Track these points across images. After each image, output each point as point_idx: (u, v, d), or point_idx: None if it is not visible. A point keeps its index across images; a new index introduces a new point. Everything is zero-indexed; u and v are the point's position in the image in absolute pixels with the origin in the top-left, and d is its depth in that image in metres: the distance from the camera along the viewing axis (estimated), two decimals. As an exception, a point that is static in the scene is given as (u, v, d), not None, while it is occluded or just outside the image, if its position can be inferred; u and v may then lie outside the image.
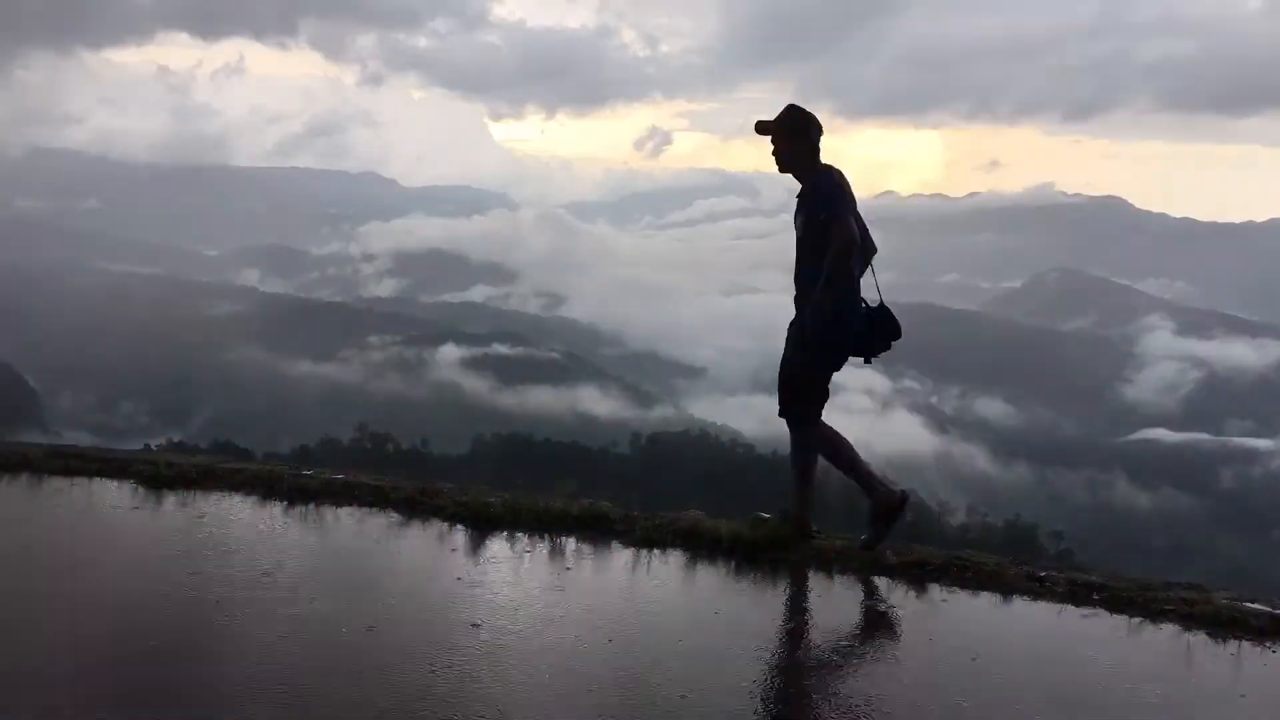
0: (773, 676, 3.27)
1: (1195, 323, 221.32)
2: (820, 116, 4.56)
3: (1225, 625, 3.68)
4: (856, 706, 3.05)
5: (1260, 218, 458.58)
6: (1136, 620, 3.79)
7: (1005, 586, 4.11)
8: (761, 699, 3.07)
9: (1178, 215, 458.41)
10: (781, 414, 4.66)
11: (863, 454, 4.90)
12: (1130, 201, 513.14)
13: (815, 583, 4.20)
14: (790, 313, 4.61)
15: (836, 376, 4.62)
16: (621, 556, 4.38)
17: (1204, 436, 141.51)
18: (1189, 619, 3.75)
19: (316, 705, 2.85)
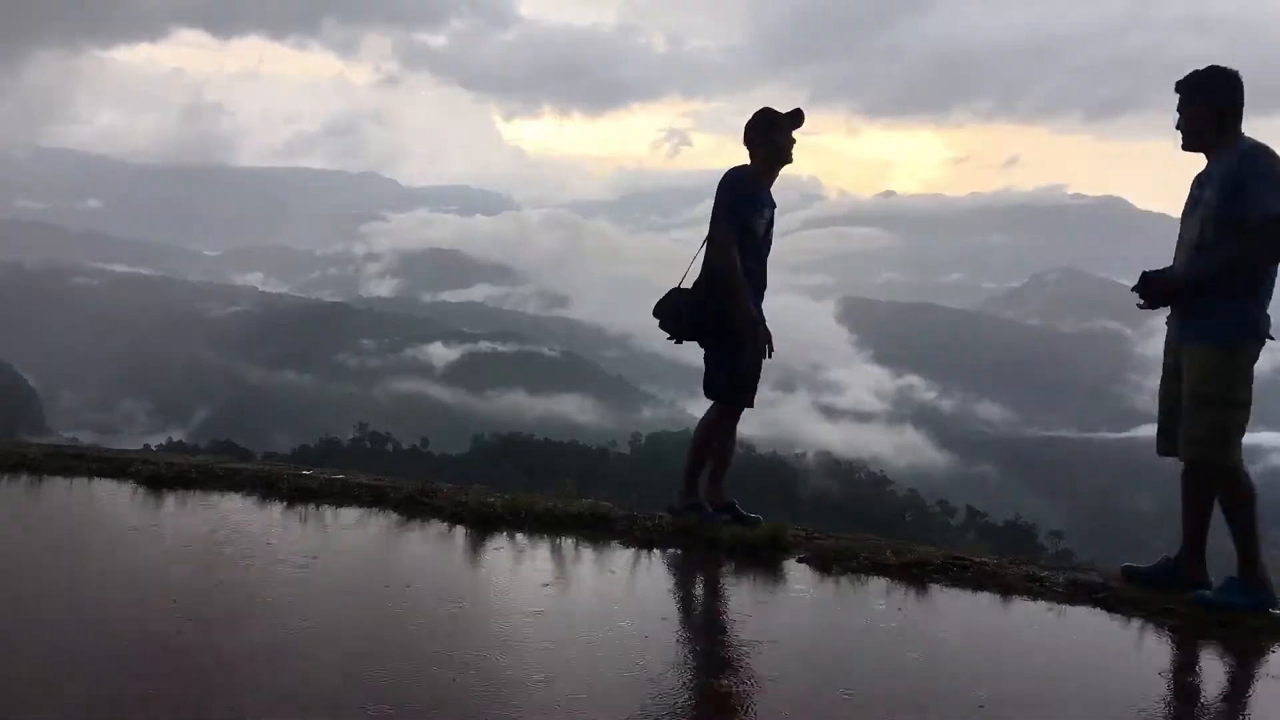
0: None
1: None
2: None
3: (1224, 625, 3.68)
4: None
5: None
6: (1135, 620, 3.79)
7: (1005, 586, 4.11)
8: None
9: (1178, 215, 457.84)
10: None
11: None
12: (1131, 201, 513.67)
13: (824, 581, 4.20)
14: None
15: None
16: (631, 557, 4.38)
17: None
18: (1187, 619, 3.75)
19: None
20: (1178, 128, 4.05)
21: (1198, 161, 4.09)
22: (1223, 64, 3.95)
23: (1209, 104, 3.93)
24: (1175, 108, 4.03)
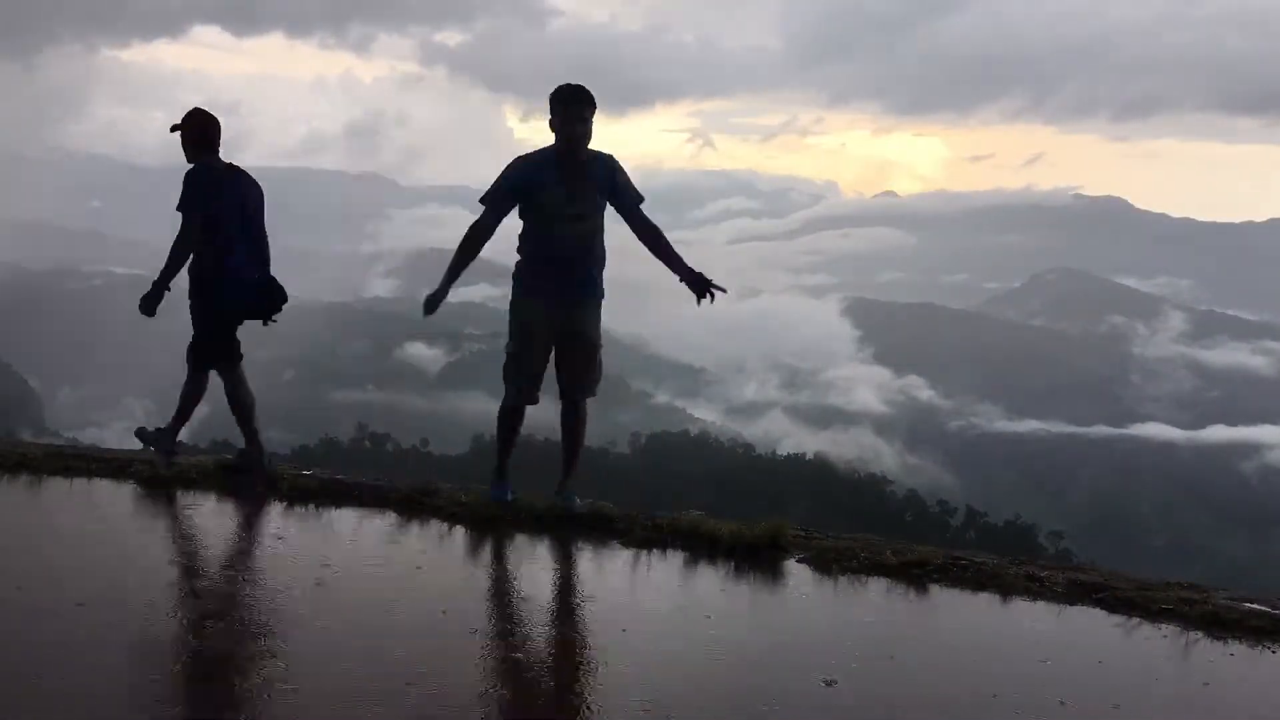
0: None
1: (1195, 323, 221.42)
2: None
3: (1224, 625, 3.68)
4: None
5: (1260, 217, 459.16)
6: (1135, 620, 3.79)
7: (1005, 586, 4.11)
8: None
9: (1177, 215, 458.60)
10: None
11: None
12: (1130, 201, 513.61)
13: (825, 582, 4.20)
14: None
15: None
16: (626, 557, 4.39)
17: (1204, 436, 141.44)
18: (1187, 619, 3.75)
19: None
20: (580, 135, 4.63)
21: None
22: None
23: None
24: (583, 117, 4.61)
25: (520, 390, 5.09)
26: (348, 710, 2.76)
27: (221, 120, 5.48)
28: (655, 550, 4.44)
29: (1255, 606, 3.84)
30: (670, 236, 5.17)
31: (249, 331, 5.67)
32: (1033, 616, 3.91)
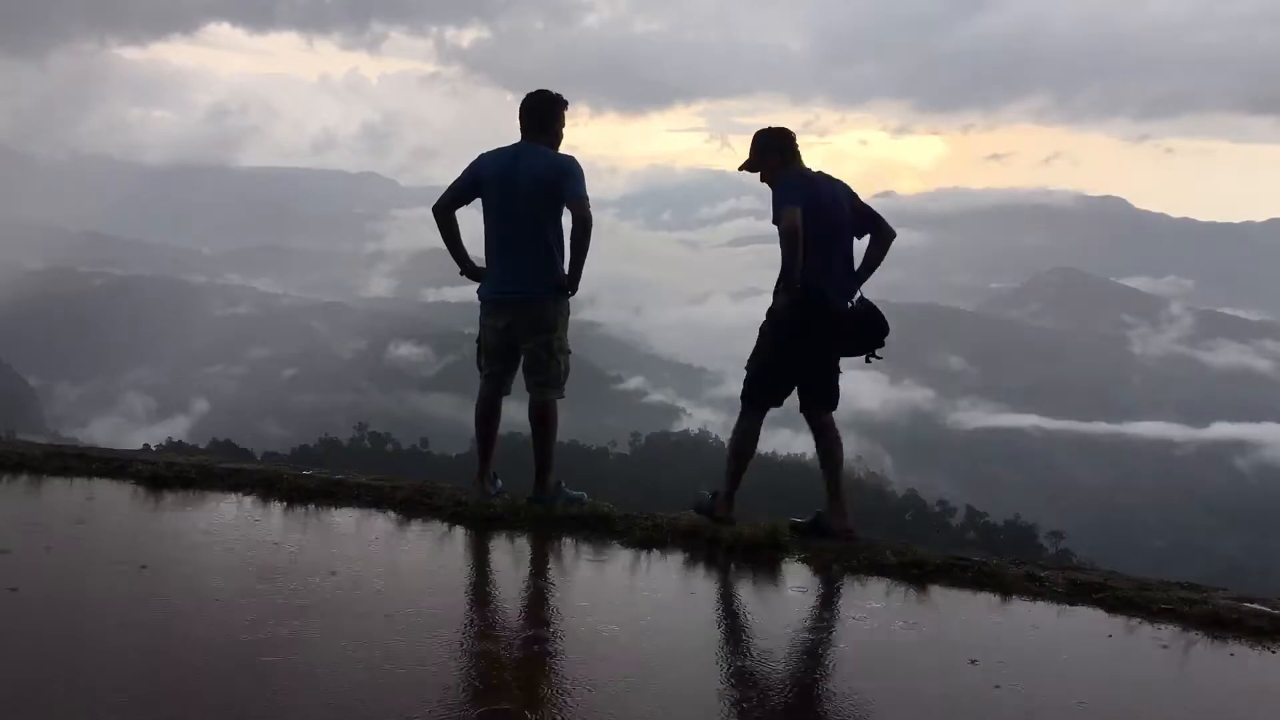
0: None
1: (1196, 322, 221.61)
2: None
3: (1224, 625, 3.68)
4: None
5: (1260, 217, 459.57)
6: (1135, 620, 3.79)
7: (1005, 586, 4.11)
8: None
9: (1177, 215, 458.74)
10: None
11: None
12: (1130, 201, 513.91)
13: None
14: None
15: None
16: (625, 557, 4.39)
17: (1203, 436, 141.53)
18: (1187, 619, 3.75)
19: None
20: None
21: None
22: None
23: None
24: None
25: None
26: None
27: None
28: (655, 550, 4.45)
29: (1255, 606, 3.83)
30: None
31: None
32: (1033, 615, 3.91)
